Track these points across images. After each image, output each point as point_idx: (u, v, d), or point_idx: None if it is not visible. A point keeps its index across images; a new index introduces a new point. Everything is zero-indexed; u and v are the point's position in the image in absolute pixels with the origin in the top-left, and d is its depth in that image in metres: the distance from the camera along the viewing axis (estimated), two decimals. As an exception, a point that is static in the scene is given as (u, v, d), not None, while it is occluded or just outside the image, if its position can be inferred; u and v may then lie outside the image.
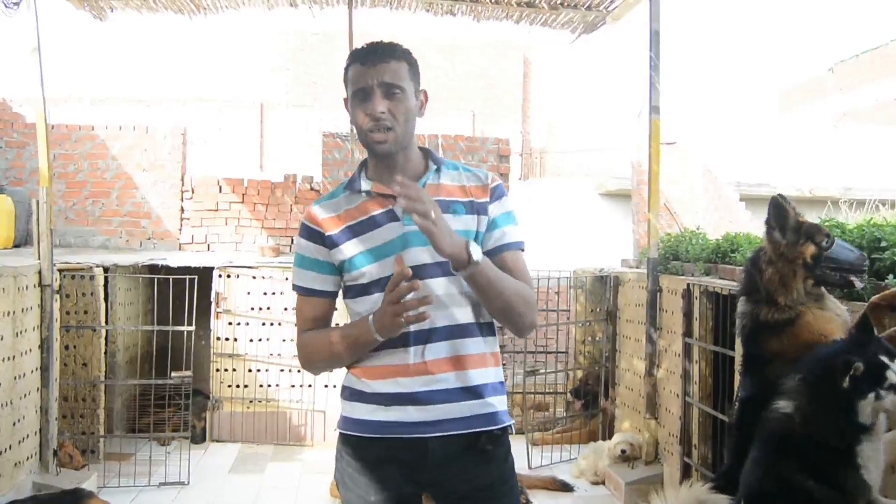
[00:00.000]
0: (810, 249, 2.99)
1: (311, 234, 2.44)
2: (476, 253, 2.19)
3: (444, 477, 2.37)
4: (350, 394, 2.44)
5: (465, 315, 2.35)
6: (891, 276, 3.26)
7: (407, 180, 2.13)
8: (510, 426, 2.44)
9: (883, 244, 3.41)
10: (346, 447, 2.44)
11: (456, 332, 2.34)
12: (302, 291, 2.47)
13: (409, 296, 2.14)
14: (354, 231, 2.38)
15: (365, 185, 2.43)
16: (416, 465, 2.35)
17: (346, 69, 2.42)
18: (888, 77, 23.92)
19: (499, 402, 2.40)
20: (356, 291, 2.41)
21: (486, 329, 2.41)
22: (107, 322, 6.95)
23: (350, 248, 2.38)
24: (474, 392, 2.34)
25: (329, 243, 2.40)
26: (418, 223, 2.10)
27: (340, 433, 2.46)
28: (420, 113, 2.45)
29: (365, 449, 2.38)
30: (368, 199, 2.41)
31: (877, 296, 3.03)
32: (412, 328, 2.28)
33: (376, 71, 2.32)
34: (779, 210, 3.08)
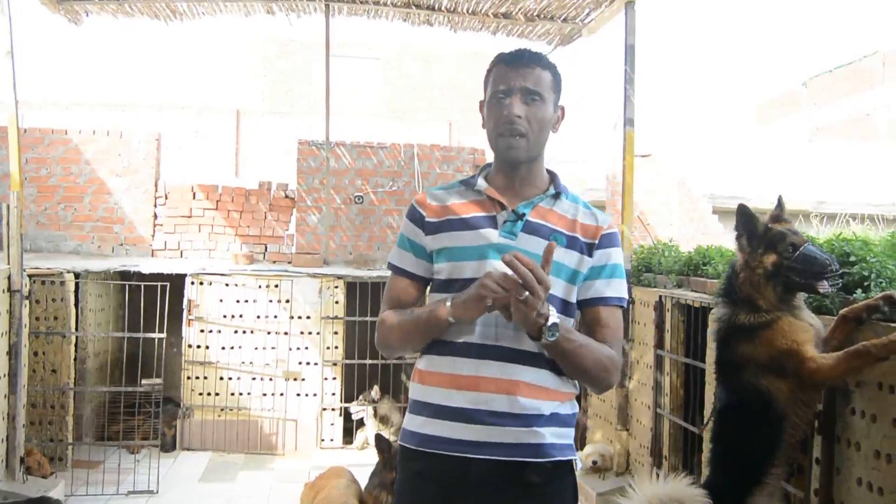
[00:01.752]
0: (771, 258, 3.03)
1: (415, 215, 2.43)
2: (550, 334, 2.11)
3: None
4: (411, 405, 2.41)
5: (532, 344, 2.22)
6: (859, 291, 3.29)
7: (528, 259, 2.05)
8: (573, 462, 2.34)
9: (852, 258, 3.43)
10: (400, 457, 2.42)
11: (518, 356, 2.25)
12: (392, 268, 2.46)
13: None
14: (452, 225, 2.36)
15: (481, 185, 2.42)
16: (456, 487, 2.25)
17: (489, 71, 2.40)
18: (861, 92, 24.21)
19: (552, 434, 2.27)
20: (436, 286, 2.39)
21: (556, 364, 2.29)
22: (77, 328, 6.90)
23: (441, 240, 2.37)
24: (523, 419, 2.23)
25: (427, 229, 2.39)
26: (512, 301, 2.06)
27: (398, 444, 2.44)
28: (555, 128, 2.42)
29: (412, 461, 2.34)
30: (478, 200, 2.40)
31: (845, 308, 3.07)
32: (475, 340, 2.26)
33: (519, 74, 2.31)
34: (745, 218, 3.12)
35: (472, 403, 2.23)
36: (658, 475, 5.46)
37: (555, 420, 2.28)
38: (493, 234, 2.31)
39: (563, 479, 2.31)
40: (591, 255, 2.35)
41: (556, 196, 2.41)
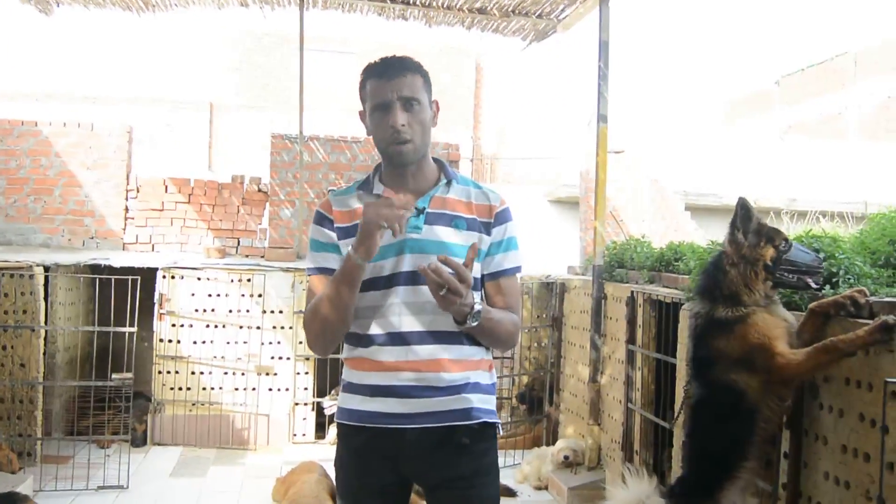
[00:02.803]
0: (770, 252, 3.05)
1: (324, 220, 2.61)
2: (474, 319, 2.36)
3: (425, 467, 2.50)
4: (345, 386, 2.58)
5: (451, 324, 2.44)
6: (828, 287, 3.33)
7: (448, 263, 2.25)
8: (497, 425, 2.58)
9: (822, 255, 3.47)
10: (340, 435, 2.62)
11: (439, 338, 2.47)
12: (316, 272, 2.57)
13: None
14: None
15: (377, 188, 2.59)
16: (398, 455, 2.48)
17: (363, 84, 2.55)
18: (833, 91, 24.43)
19: (477, 400, 2.50)
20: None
21: (472, 338, 2.52)
22: (46, 322, 6.83)
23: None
24: (450, 389, 2.46)
25: (339, 234, 2.55)
26: (436, 293, 2.26)
27: (336, 422, 2.62)
28: (434, 122, 2.59)
29: (352, 437, 2.54)
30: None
31: (814, 303, 3.09)
32: (396, 330, 2.46)
33: (395, 84, 2.45)
34: (745, 212, 3.12)
35: (404, 382, 2.44)
36: (630, 471, 5.50)
37: (478, 388, 2.52)
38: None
39: (489, 441, 2.56)
40: (489, 234, 2.57)
41: (449, 184, 2.59)
